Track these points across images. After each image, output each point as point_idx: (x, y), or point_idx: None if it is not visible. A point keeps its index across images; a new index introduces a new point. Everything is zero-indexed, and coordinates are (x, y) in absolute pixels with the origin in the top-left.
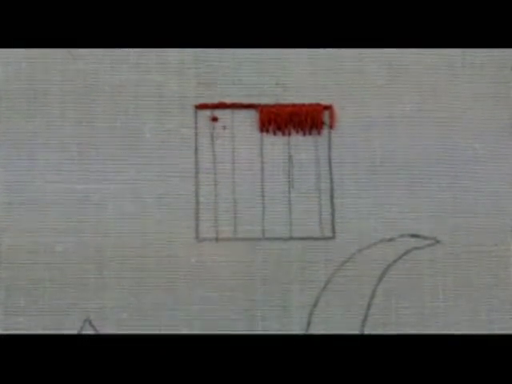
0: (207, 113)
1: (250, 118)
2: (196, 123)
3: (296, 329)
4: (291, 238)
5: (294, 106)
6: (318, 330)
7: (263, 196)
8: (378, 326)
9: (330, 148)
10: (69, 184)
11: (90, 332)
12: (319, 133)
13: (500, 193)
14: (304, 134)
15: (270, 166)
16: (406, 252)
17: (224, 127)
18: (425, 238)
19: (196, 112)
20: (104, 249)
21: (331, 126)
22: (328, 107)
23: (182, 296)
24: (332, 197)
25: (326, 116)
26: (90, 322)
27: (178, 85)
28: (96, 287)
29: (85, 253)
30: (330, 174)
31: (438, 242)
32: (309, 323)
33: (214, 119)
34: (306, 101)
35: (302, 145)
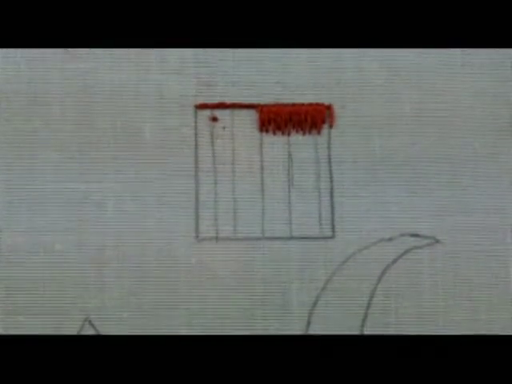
0: (207, 112)
1: (249, 118)
2: (196, 123)
3: (296, 328)
4: (291, 238)
5: (293, 105)
6: (317, 329)
7: (263, 195)
8: (377, 326)
9: (329, 147)
10: (69, 183)
11: (90, 332)
12: (319, 132)
13: (500, 192)
14: (304, 134)
15: (270, 165)
16: (406, 251)
17: (224, 127)
18: (424, 237)
19: (196, 112)
20: (104, 248)
21: (331, 126)
22: (328, 107)
23: (182, 296)
24: (332, 196)
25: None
26: (90, 322)
27: (178, 84)
28: (96, 287)
29: (85, 252)
30: (330, 173)
31: (437, 241)
32: (308, 323)
33: (214, 119)
34: (306, 100)
35: (301, 144)
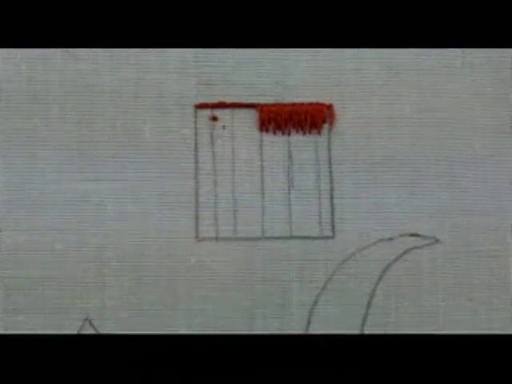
0: (207, 112)
1: (249, 118)
2: (196, 123)
3: (296, 328)
4: (291, 238)
5: (293, 105)
6: (317, 329)
7: (263, 195)
8: (377, 325)
9: (329, 147)
10: (68, 183)
11: (90, 331)
12: (319, 132)
13: (499, 192)
14: (304, 134)
15: (270, 165)
16: (406, 251)
17: (224, 127)
18: (424, 237)
19: (196, 111)
20: (104, 248)
21: (331, 126)
22: (328, 107)
23: (182, 295)
24: (332, 196)
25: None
26: (90, 322)
27: (177, 84)
28: (96, 286)
29: (85, 252)
30: (330, 173)
31: (437, 241)
32: (309, 322)
33: (214, 119)
34: (306, 101)
35: (301, 144)
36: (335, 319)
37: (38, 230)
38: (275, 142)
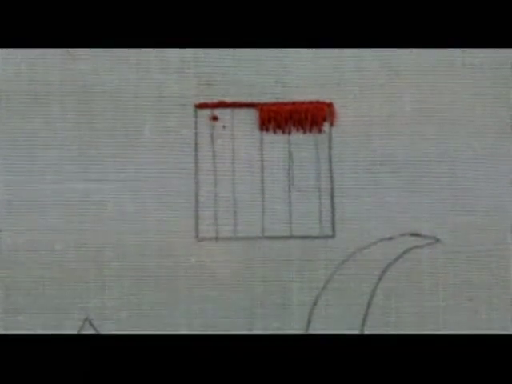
0: (207, 112)
1: (249, 117)
2: (196, 122)
3: (296, 328)
4: (291, 237)
5: (293, 103)
6: (317, 329)
7: (263, 195)
8: (377, 325)
9: (330, 146)
10: (69, 183)
11: (90, 331)
12: (319, 131)
13: (500, 192)
14: (304, 132)
15: (270, 164)
16: (406, 251)
17: (224, 126)
18: (425, 236)
19: (196, 111)
20: (104, 248)
21: (331, 124)
22: (328, 105)
23: (182, 295)
24: (332, 195)
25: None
26: (90, 322)
27: (177, 84)
28: (96, 286)
29: (85, 252)
30: (331, 172)
31: (437, 240)
32: (309, 322)
33: (214, 118)
34: (306, 99)
35: (302, 143)
36: (335, 319)
37: (38, 230)
38: (275, 141)
